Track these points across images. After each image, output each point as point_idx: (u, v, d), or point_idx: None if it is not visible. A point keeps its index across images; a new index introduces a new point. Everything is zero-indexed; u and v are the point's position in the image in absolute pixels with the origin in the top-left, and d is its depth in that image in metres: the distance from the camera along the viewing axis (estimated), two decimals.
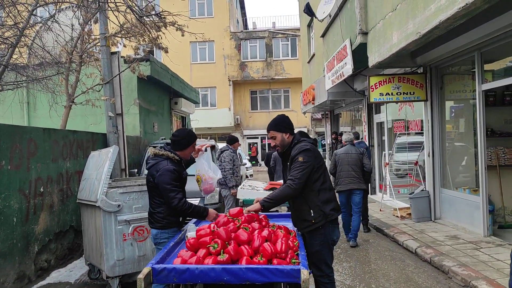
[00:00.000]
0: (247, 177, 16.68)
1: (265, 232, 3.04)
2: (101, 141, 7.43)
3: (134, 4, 6.70)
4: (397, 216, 8.40)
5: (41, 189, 5.56)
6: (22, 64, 7.91)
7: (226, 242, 2.87)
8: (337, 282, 4.96)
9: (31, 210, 5.32)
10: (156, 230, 3.85)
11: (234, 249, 2.80)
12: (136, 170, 8.69)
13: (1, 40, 6.15)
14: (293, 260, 2.81)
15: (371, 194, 10.75)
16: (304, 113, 18.39)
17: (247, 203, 6.76)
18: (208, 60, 28.07)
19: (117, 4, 6.83)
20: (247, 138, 28.52)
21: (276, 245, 2.89)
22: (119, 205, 4.70)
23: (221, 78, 27.75)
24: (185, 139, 3.90)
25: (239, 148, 16.25)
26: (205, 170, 4.16)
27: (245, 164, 16.38)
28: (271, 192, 3.46)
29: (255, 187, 7.14)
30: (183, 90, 14.13)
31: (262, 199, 3.42)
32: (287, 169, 3.56)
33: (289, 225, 3.73)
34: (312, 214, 3.39)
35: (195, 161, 4.23)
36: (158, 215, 3.80)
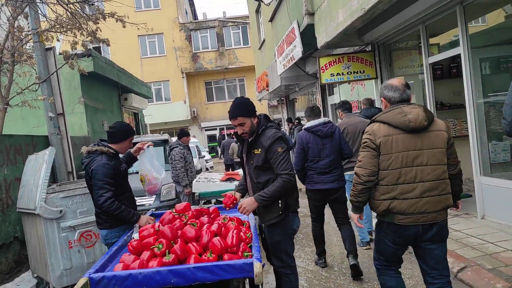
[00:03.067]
0: (207, 169, 16.41)
1: (214, 226, 2.85)
2: (42, 144, 6.93)
3: None
4: None
5: None
6: None
7: (172, 241, 2.65)
8: (300, 269, 4.84)
9: None
10: (105, 231, 3.63)
11: (180, 248, 2.59)
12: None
13: None
14: (246, 253, 2.64)
15: None
16: (260, 100, 18.23)
17: (204, 196, 6.55)
18: (159, 53, 27.36)
19: None
20: (205, 130, 28.12)
21: (227, 239, 2.69)
22: (61, 211, 4.37)
23: (174, 71, 27.14)
24: (121, 132, 3.73)
25: (193, 140, 15.97)
26: (147, 169, 3.91)
27: (204, 156, 16.09)
28: (266, 188, 3.08)
29: (211, 179, 6.94)
30: (133, 85, 13.61)
31: (257, 195, 3.07)
32: (251, 157, 3.24)
33: (242, 216, 3.54)
34: (280, 205, 3.16)
35: (137, 159, 4.00)
36: (104, 214, 3.56)
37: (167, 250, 2.56)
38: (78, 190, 4.58)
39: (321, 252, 4.93)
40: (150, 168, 3.91)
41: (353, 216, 3.01)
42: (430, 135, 2.71)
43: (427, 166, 2.69)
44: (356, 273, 4.37)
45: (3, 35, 6.93)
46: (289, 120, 14.19)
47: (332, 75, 7.88)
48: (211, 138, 27.96)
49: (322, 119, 4.57)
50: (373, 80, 8.00)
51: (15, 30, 6.99)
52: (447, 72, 7.36)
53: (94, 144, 3.68)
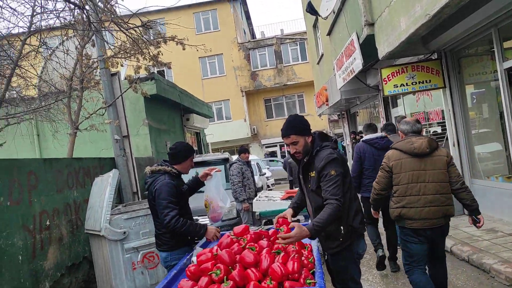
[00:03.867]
0: (268, 186, 16.30)
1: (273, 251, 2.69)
2: (109, 165, 7.19)
3: (123, 23, 6.45)
4: None
5: (47, 223, 5.31)
6: (25, 96, 7.82)
7: (230, 267, 2.53)
8: None
9: (38, 245, 5.07)
10: (165, 253, 3.61)
11: (239, 274, 2.45)
12: None
13: None
14: (308, 281, 2.45)
15: None
16: (320, 115, 17.96)
17: (264, 215, 6.40)
18: (219, 73, 27.96)
19: (111, 25, 6.62)
20: (266, 147, 28.17)
21: (288, 265, 2.52)
22: (124, 232, 4.42)
23: (234, 90, 27.58)
24: (181, 152, 3.74)
25: (254, 158, 15.94)
26: (213, 196, 3.83)
27: (265, 174, 16.01)
28: (318, 214, 2.80)
29: (272, 197, 6.80)
30: (194, 105, 13.93)
31: (309, 226, 2.75)
32: (308, 180, 3.05)
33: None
34: (343, 232, 2.92)
35: (204, 184, 3.96)
36: (164, 236, 3.58)
37: (225, 277, 2.44)
38: (141, 211, 4.64)
39: (378, 244, 5.29)
40: (215, 196, 3.83)
41: (373, 212, 4.20)
42: (433, 159, 3.56)
43: (429, 183, 3.53)
44: (381, 263, 5.18)
45: (71, 64, 7.33)
46: (353, 132, 13.79)
47: (395, 86, 7.52)
48: (272, 156, 27.95)
49: (379, 134, 5.27)
50: (441, 89, 7.52)
51: (83, 58, 7.38)
52: None
53: (158, 164, 3.73)
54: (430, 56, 7.61)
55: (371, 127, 5.53)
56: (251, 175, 7.49)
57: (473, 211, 3.70)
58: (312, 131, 3.10)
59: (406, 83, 7.45)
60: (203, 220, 7.17)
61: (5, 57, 6.31)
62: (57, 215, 5.59)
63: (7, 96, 6.79)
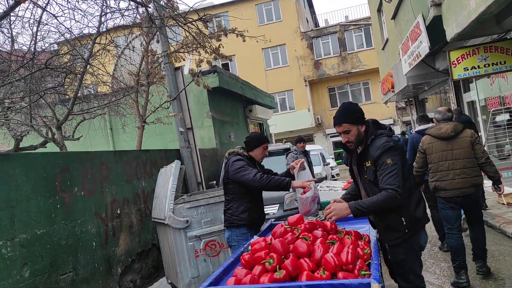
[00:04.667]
0: (332, 176, 16.10)
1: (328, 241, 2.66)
2: (175, 157, 7.47)
3: (181, 18, 6.61)
4: (503, 204, 7.37)
5: (118, 211, 5.66)
6: (97, 93, 8.33)
7: (283, 256, 2.54)
8: (434, 287, 4.35)
9: (110, 232, 5.41)
10: (228, 232, 3.89)
11: (292, 264, 2.45)
12: (215, 182, 8.68)
13: (66, 70, 6.44)
14: (363, 272, 2.39)
15: None
16: (386, 103, 17.33)
17: (324, 205, 6.33)
18: (282, 64, 27.89)
19: (172, 21, 6.83)
20: (331, 136, 27.73)
21: (341, 255, 2.48)
22: (187, 221, 4.59)
23: (297, 80, 27.39)
24: (253, 139, 4.04)
25: (317, 147, 15.74)
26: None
27: (329, 164, 15.81)
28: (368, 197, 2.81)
29: (333, 187, 6.71)
30: (257, 96, 14.04)
31: (353, 202, 2.79)
32: (363, 170, 2.92)
33: (362, 228, 3.28)
34: (404, 223, 2.80)
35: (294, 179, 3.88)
36: (227, 213, 3.88)
37: (278, 266, 2.46)
38: (202, 200, 4.78)
39: (443, 236, 5.41)
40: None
41: None
42: (459, 140, 4.34)
43: (456, 160, 4.31)
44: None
45: (137, 60, 7.68)
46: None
47: (465, 69, 7.07)
48: (336, 145, 27.43)
49: (431, 124, 5.33)
50: None
51: (149, 54, 7.70)
52: None
53: (236, 148, 4.09)
54: (505, 35, 7.04)
55: (424, 118, 6.01)
56: (308, 165, 7.45)
57: (496, 182, 4.49)
58: (366, 119, 2.99)
59: (478, 66, 6.97)
60: (266, 209, 7.30)
61: (78, 56, 6.74)
62: (127, 204, 5.92)
63: (81, 93, 7.27)
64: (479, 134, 9.25)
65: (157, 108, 7.70)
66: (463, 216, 4.76)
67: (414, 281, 2.93)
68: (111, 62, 8.27)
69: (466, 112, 10.24)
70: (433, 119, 4.82)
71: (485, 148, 7.97)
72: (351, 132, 2.90)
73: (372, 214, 2.81)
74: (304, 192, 3.54)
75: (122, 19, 6.24)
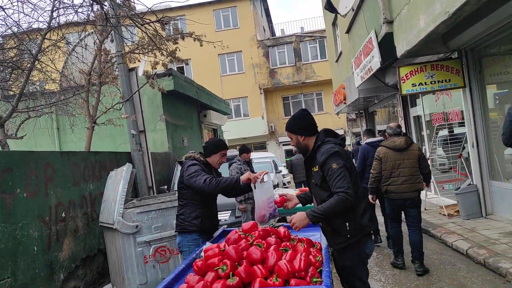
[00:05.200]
0: (284, 184, 16.26)
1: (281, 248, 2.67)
2: (125, 160, 7.26)
3: (139, 18, 6.49)
4: (444, 215, 7.75)
5: (63, 215, 5.41)
6: (45, 90, 7.96)
7: (237, 263, 2.52)
8: None
9: (53, 236, 5.16)
10: (179, 237, 3.82)
11: (245, 271, 2.44)
12: (166, 186, 8.52)
13: (13, 65, 6.11)
14: (314, 279, 2.42)
15: None
16: (338, 114, 17.80)
17: (280, 213, 6.37)
18: (238, 70, 27.99)
19: (128, 21, 6.67)
20: (283, 145, 28.09)
21: (294, 263, 2.50)
22: (137, 226, 4.46)
23: (252, 87, 27.57)
24: (211, 145, 3.99)
25: (270, 155, 15.81)
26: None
27: (281, 171, 15.97)
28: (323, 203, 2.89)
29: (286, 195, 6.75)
30: (212, 102, 13.97)
31: (309, 210, 2.89)
32: (311, 175, 3.04)
33: (314, 236, 3.33)
34: (348, 228, 2.89)
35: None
36: (180, 218, 3.80)
37: (231, 272, 2.44)
38: (154, 205, 4.67)
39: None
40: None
41: (370, 197, 5.57)
42: (408, 152, 5.19)
43: (405, 168, 5.15)
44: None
45: (90, 59, 7.43)
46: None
47: (413, 85, 7.41)
48: (288, 153, 27.80)
49: (379, 138, 6.27)
50: (461, 89, 7.36)
51: (102, 53, 7.47)
52: None
53: (192, 152, 4.02)
54: (450, 55, 7.46)
55: (371, 132, 7.12)
56: None
57: (427, 181, 5.57)
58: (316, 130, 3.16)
59: (425, 82, 7.33)
60: (225, 215, 7.28)
61: (26, 51, 6.41)
62: (73, 208, 5.68)
63: (27, 90, 6.91)
64: (424, 147, 9.71)
65: (108, 109, 7.46)
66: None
67: (360, 287, 3.02)
68: (61, 59, 7.93)
69: (412, 126, 10.72)
70: (385, 133, 5.55)
71: (429, 162, 8.40)
72: (292, 140, 3.16)
73: (328, 219, 2.88)
74: (253, 182, 3.50)
75: (76, 15, 6.00)
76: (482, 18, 5.84)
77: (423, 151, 9.76)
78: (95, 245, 6.14)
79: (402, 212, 5.39)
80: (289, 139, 3.20)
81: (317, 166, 2.96)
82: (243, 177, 3.55)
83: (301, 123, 3.11)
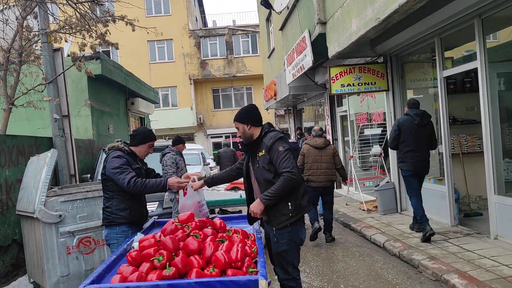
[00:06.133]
0: None
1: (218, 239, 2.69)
2: (46, 145, 6.82)
3: None
4: (364, 210, 8.24)
5: None
6: None
7: (173, 254, 2.50)
8: (305, 284, 4.67)
9: None
10: (107, 230, 3.65)
11: (182, 261, 2.43)
12: (89, 175, 8.13)
13: None
14: (250, 269, 2.47)
15: (336, 188, 10.58)
16: (267, 109, 18.11)
17: (208, 205, 6.37)
18: (168, 59, 27.30)
19: None
20: (211, 137, 27.98)
21: (231, 253, 2.53)
22: (60, 215, 4.23)
23: (182, 77, 27.07)
24: (140, 135, 3.84)
25: (198, 147, 15.70)
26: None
27: (209, 164, 15.93)
28: (269, 189, 3.14)
29: (216, 187, 6.76)
30: (140, 89, 13.52)
31: (261, 196, 3.15)
32: (256, 161, 3.29)
33: (247, 228, 3.39)
34: (290, 207, 3.18)
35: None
36: (106, 210, 3.63)
37: (167, 263, 2.41)
38: (79, 194, 4.45)
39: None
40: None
41: None
42: (326, 150, 6.52)
43: (323, 163, 6.45)
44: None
45: (11, 35, 6.86)
46: (299, 128, 13.96)
47: (342, 85, 7.75)
48: (216, 146, 27.77)
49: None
50: (385, 92, 7.84)
51: (24, 30, 6.92)
52: (460, 87, 7.19)
53: (116, 141, 3.84)
54: (377, 59, 7.91)
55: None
56: (184, 165, 7.32)
57: (344, 179, 7.12)
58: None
59: (353, 83, 7.70)
60: (152, 206, 7.07)
61: None
62: None
63: None
64: (348, 145, 10.21)
65: (29, 90, 6.94)
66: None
67: (292, 273, 3.23)
68: None
69: (338, 124, 11.23)
70: (311, 133, 6.94)
71: (356, 159, 8.84)
72: (239, 130, 3.37)
73: (279, 199, 3.12)
74: (184, 189, 3.55)
75: None
76: (407, 27, 6.25)
77: (349, 148, 10.30)
78: (10, 235, 5.71)
79: (320, 197, 6.78)
80: (219, 133, 3.41)
81: (263, 150, 3.23)
82: (170, 182, 3.49)
83: (250, 115, 3.37)
